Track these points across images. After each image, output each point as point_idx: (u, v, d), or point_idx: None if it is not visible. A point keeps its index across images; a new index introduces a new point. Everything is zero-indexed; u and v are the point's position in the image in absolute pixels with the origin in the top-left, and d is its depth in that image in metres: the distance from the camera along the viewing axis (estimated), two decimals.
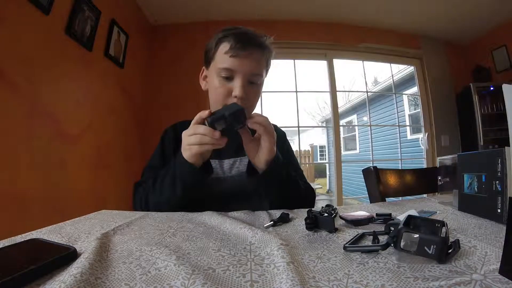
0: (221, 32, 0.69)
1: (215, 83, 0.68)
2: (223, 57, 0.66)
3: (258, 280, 0.29)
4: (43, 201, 1.34)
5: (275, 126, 0.88)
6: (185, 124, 0.63)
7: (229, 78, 0.67)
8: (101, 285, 0.28)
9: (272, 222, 0.49)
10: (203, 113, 0.58)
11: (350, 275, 0.29)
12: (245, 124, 0.59)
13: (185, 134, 0.60)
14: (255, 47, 0.68)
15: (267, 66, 0.75)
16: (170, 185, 0.63)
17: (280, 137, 0.81)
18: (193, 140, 0.57)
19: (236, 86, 0.66)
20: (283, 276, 0.29)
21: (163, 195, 0.64)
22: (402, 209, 0.62)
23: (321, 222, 0.45)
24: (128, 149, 2.20)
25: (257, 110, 0.79)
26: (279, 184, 0.64)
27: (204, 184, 0.65)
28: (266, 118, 0.61)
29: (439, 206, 0.63)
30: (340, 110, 3.24)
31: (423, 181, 1.00)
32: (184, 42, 2.64)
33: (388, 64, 3.15)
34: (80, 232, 0.45)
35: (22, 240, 0.39)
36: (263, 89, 0.77)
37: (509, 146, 0.41)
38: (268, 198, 0.67)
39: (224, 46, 0.67)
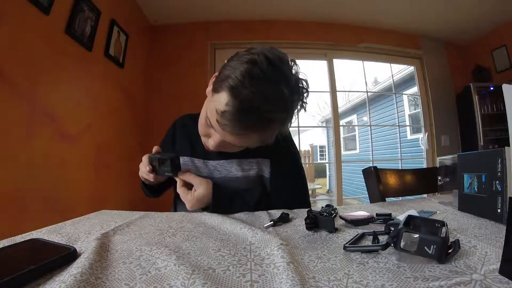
0: (239, 71, 0.52)
1: (203, 117, 0.61)
2: (213, 110, 0.55)
3: (258, 280, 0.29)
4: (43, 201, 1.34)
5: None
6: (192, 119, 0.77)
7: (213, 128, 0.59)
8: (101, 285, 0.28)
9: (272, 222, 0.49)
10: (154, 149, 0.69)
11: (350, 275, 0.29)
12: (176, 174, 0.65)
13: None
14: (252, 132, 0.56)
15: (270, 139, 0.62)
16: (141, 183, 0.81)
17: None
18: (140, 166, 0.71)
19: (212, 139, 0.61)
20: (283, 276, 0.29)
21: (141, 186, 0.83)
22: (402, 209, 0.62)
23: (321, 222, 0.45)
24: (128, 149, 2.20)
25: None
26: (235, 210, 0.63)
27: (158, 196, 0.84)
28: (182, 190, 0.64)
29: (439, 206, 0.63)
30: (340, 110, 3.24)
31: (423, 181, 1.00)
32: (184, 42, 2.64)
33: (388, 64, 3.15)
34: (80, 232, 0.46)
35: (22, 240, 0.39)
36: None
37: (509, 146, 0.41)
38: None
39: (222, 100, 0.53)
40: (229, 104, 0.52)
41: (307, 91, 0.59)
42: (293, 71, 0.57)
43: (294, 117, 0.60)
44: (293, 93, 0.56)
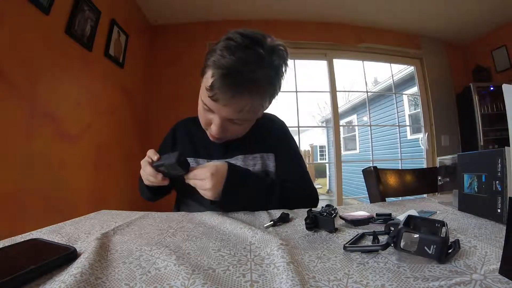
0: (218, 49, 0.58)
1: (200, 106, 0.65)
2: (205, 89, 0.59)
3: (258, 280, 0.29)
4: (43, 201, 1.34)
5: (273, 117, 0.86)
6: (193, 121, 0.77)
7: (210, 110, 0.63)
8: (101, 285, 0.28)
9: (272, 222, 0.49)
10: (152, 155, 0.64)
11: (350, 275, 0.29)
12: (188, 170, 0.61)
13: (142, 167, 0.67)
14: (242, 92, 0.58)
15: (262, 106, 0.66)
16: (142, 188, 0.77)
17: (279, 133, 0.83)
18: (143, 176, 0.66)
19: (213, 124, 0.64)
20: (283, 276, 0.29)
21: (142, 192, 0.80)
22: (402, 209, 0.62)
23: (321, 222, 0.45)
24: (128, 149, 2.20)
25: None
26: (244, 203, 0.63)
27: (159, 198, 0.79)
28: (200, 172, 0.59)
29: (439, 206, 0.63)
30: (340, 110, 3.25)
31: (423, 181, 1.00)
32: (184, 42, 2.64)
33: (388, 64, 3.15)
34: (80, 232, 0.46)
35: (22, 240, 0.39)
36: None
37: (509, 146, 0.41)
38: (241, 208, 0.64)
39: (209, 76, 0.59)
40: (214, 75, 0.57)
41: (287, 52, 0.63)
42: (268, 39, 0.61)
43: (282, 79, 0.64)
44: (270, 53, 0.60)
